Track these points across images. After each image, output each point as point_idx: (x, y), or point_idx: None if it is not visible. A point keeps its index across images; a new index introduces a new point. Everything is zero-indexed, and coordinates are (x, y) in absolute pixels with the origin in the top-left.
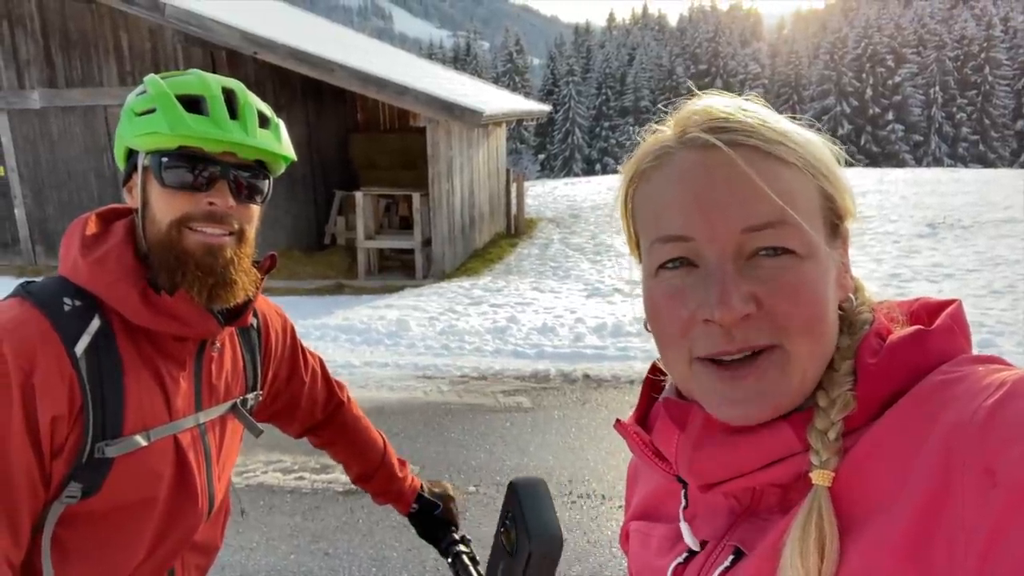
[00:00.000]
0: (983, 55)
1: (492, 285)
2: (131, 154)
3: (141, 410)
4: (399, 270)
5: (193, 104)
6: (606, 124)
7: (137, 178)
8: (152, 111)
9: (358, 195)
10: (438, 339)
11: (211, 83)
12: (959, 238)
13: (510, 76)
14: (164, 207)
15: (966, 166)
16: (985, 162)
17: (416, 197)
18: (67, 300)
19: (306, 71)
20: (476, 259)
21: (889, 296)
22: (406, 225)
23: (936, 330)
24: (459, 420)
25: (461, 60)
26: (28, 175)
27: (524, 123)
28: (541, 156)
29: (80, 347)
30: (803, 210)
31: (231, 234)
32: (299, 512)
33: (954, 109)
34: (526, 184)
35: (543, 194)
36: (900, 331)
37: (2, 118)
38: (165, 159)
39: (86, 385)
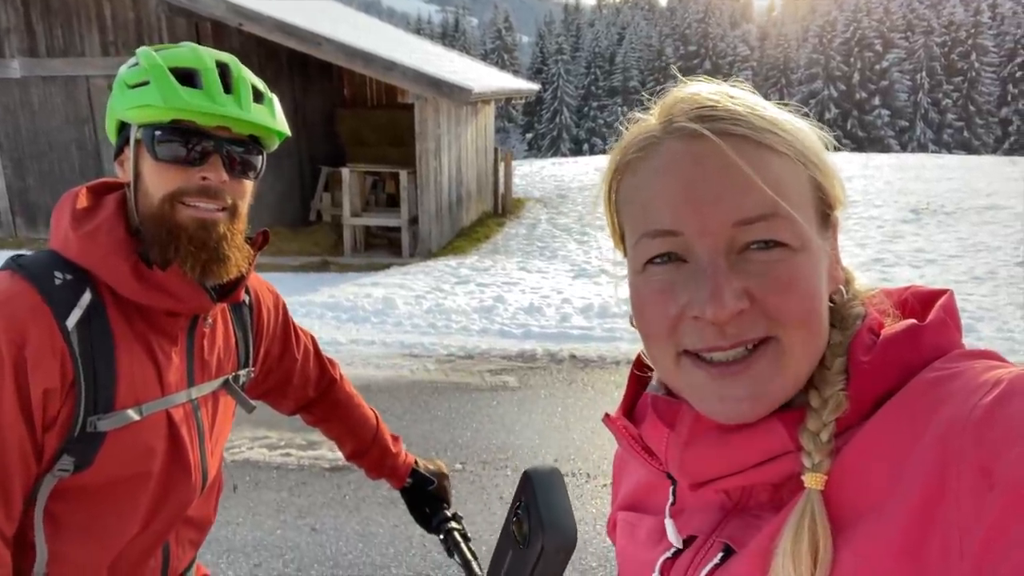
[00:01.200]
0: (970, 41)
1: (479, 264)
2: (123, 127)
3: (133, 384)
4: (385, 248)
5: (187, 77)
6: (594, 104)
7: (129, 151)
8: (145, 83)
9: (344, 171)
10: (424, 318)
11: (205, 56)
12: (942, 224)
13: (498, 53)
14: (157, 181)
15: (950, 152)
16: (969, 149)
17: (403, 174)
18: (58, 274)
19: (293, 44)
20: (463, 238)
21: (872, 280)
22: (393, 203)
23: (930, 324)
24: (445, 398)
25: (449, 36)
26: (8, 146)
27: (512, 102)
28: (529, 135)
29: (71, 321)
30: (795, 201)
31: (224, 209)
32: (285, 488)
33: (940, 95)
34: (514, 163)
35: (531, 174)
36: (893, 326)
37: None
38: (158, 132)
39: (78, 358)
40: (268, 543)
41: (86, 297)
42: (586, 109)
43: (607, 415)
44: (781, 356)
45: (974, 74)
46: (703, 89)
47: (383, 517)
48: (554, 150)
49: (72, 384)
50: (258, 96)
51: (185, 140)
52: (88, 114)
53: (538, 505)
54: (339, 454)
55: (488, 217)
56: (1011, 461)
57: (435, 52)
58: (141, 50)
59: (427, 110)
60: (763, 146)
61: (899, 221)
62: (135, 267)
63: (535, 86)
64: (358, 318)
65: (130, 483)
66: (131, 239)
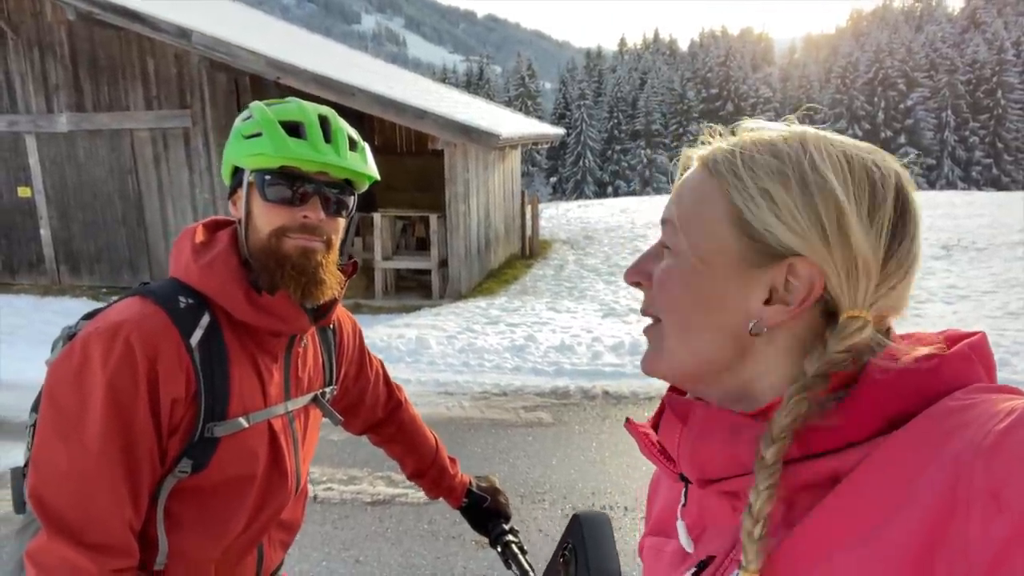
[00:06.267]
0: (995, 79)
1: (508, 305)
2: (236, 171)
3: (243, 396)
4: (415, 290)
5: (293, 129)
6: (617, 147)
7: (242, 192)
8: (259, 135)
9: (375, 216)
10: (458, 357)
11: (309, 110)
12: (974, 260)
13: (522, 100)
14: (265, 218)
15: (980, 189)
16: (999, 185)
17: (433, 218)
18: (182, 298)
19: (328, 96)
20: (492, 280)
21: (904, 316)
22: (423, 246)
23: (951, 356)
24: (482, 434)
25: (474, 84)
26: (54, 196)
27: (537, 146)
28: (553, 179)
29: (194, 339)
30: (696, 222)
31: (321, 242)
32: (329, 521)
33: (967, 133)
34: (540, 206)
35: (556, 216)
36: (914, 352)
37: (31, 141)
38: (268, 177)
39: (199, 373)
40: (314, 574)
41: (205, 319)
42: (609, 152)
43: (629, 420)
44: (661, 337)
45: (1000, 111)
46: (747, 124)
47: (425, 549)
48: (578, 193)
49: (195, 395)
50: (352, 145)
51: (290, 183)
52: (131, 166)
53: (586, 549)
54: (380, 488)
55: (516, 259)
56: (1021, 486)
57: (462, 100)
58: (254, 105)
59: (456, 156)
60: (714, 176)
61: (930, 258)
62: (247, 293)
63: (560, 131)
64: (392, 358)
65: (238, 484)
66: (242, 268)
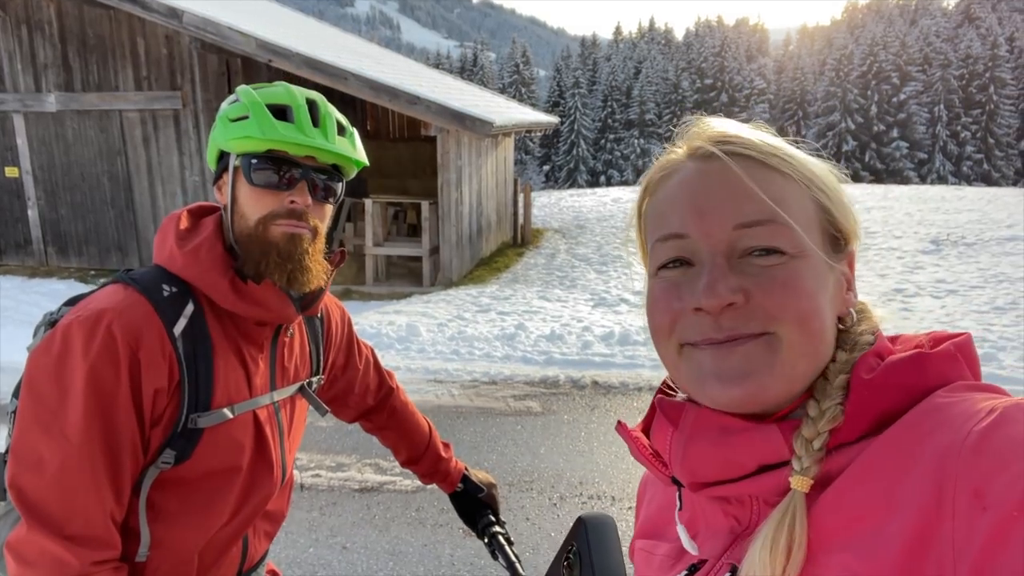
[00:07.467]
0: (988, 74)
1: (499, 293)
2: (222, 156)
3: (227, 386)
4: (406, 277)
5: (281, 112)
6: (611, 136)
7: (227, 177)
8: (245, 118)
9: (367, 202)
10: (448, 344)
11: (296, 94)
12: (963, 255)
13: (516, 87)
14: (252, 204)
15: (970, 184)
16: (989, 181)
17: (425, 205)
18: (165, 286)
19: (319, 79)
20: (483, 267)
21: (893, 311)
22: (414, 233)
23: (936, 354)
24: (471, 423)
25: (468, 70)
26: (42, 177)
27: (531, 134)
28: (546, 167)
29: (178, 328)
30: (795, 215)
31: (307, 229)
32: (316, 508)
33: (958, 127)
34: (532, 194)
35: (549, 205)
36: (900, 353)
37: (19, 120)
38: (255, 161)
39: (183, 362)
40: (301, 560)
41: (189, 307)
42: (603, 141)
43: (620, 423)
44: (777, 350)
45: (992, 107)
46: (721, 122)
47: (412, 536)
48: (571, 182)
49: (178, 385)
50: (341, 130)
51: (277, 168)
52: (120, 147)
53: (591, 553)
54: (367, 476)
55: (508, 247)
56: (1003, 484)
57: (456, 86)
58: (240, 88)
59: (449, 142)
60: (767, 166)
61: (919, 252)
62: (232, 281)
63: (554, 119)
64: (382, 345)
65: (222, 476)
66: (227, 256)
